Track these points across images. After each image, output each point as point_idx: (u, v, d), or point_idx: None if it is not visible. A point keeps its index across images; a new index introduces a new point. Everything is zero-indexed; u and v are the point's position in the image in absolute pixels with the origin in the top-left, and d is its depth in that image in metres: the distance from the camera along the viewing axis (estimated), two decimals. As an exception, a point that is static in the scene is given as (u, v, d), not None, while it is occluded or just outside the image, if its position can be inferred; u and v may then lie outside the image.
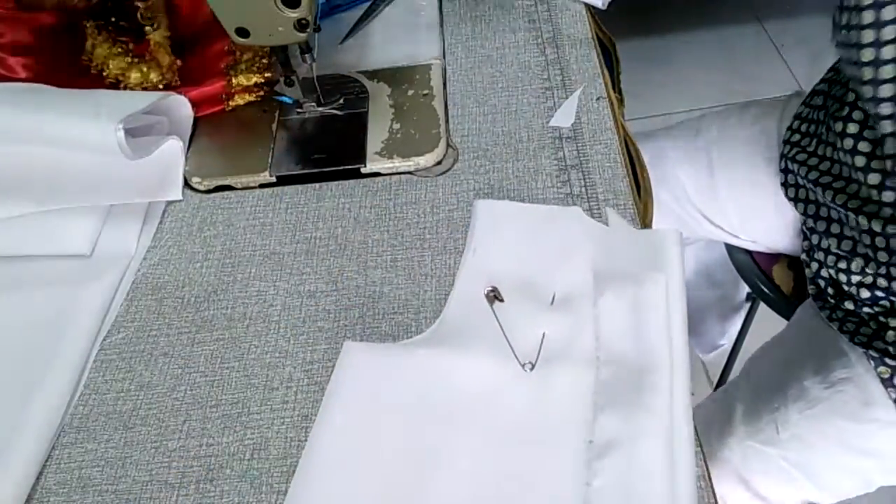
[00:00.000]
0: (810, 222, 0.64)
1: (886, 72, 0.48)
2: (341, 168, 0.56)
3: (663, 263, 0.47)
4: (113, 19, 0.61)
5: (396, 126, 0.58)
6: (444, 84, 0.62)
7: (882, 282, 0.57)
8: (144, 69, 0.62)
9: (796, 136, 0.66)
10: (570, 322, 0.45)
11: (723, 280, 1.00)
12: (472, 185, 0.54)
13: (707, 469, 0.41)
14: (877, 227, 0.55)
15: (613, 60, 0.73)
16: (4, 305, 0.51)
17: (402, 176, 0.56)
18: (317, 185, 0.56)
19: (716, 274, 1.01)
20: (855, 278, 0.59)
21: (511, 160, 0.56)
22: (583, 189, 0.53)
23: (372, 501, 0.40)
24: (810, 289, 0.66)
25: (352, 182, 0.56)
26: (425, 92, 0.60)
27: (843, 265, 0.60)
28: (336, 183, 0.56)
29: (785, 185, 0.67)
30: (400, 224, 0.53)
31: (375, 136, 0.57)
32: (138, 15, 0.60)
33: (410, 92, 0.61)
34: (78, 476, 0.43)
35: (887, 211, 0.54)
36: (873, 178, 0.54)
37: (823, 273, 0.63)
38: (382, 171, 0.56)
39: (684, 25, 1.82)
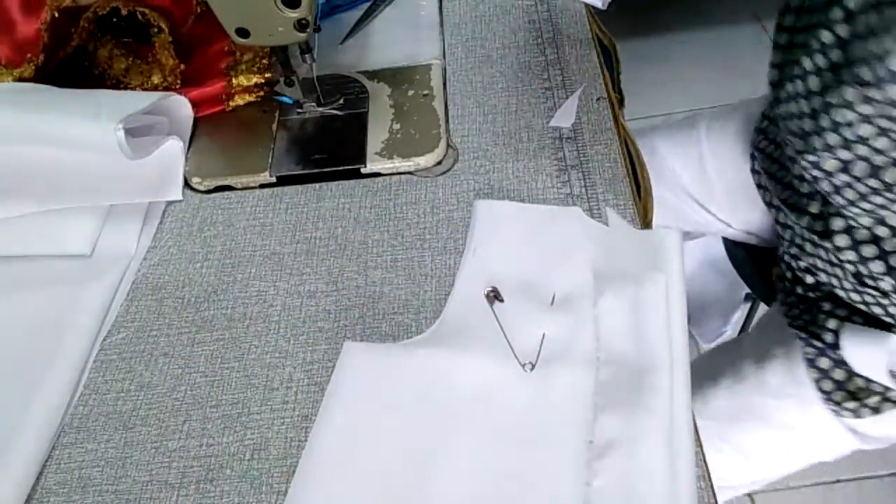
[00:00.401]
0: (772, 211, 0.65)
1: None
2: (341, 168, 0.56)
3: (663, 263, 0.47)
4: (114, 20, 0.61)
5: (396, 126, 0.58)
6: (444, 84, 0.62)
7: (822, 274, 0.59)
8: (146, 71, 0.62)
9: (763, 143, 0.67)
10: (571, 322, 0.45)
11: (728, 270, 1.01)
12: (472, 185, 0.54)
13: (707, 469, 0.41)
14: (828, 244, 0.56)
15: (613, 60, 0.73)
16: (4, 305, 0.51)
17: (402, 176, 0.56)
18: (317, 185, 0.56)
19: (722, 265, 1.02)
20: (802, 264, 0.61)
21: (511, 160, 0.56)
22: (583, 189, 0.53)
23: (372, 501, 0.40)
24: (776, 271, 0.67)
25: (352, 182, 0.56)
26: (425, 92, 0.60)
27: (794, 251, 0.61)
28: (336, 183, 0.56)
29: (753, 171, 0.68)
30: (400, 224, 0.53)
31: (375, 137, 0.57)
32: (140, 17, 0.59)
33: (410, 92, 0.61)
34: (78, 476, 0.43)
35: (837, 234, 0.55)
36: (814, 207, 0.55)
37: (784, 258, 0.65)
38: (382, 172, 0.56)
39: (684, 25, 1.82)
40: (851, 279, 0.54)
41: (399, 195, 0.55)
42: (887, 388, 0.57)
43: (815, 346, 0.60)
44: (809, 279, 0.61)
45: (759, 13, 1.80)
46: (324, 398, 0.44)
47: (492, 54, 0.64)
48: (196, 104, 0.60)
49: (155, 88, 0.61)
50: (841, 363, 0.58)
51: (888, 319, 0.55)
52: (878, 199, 0.48)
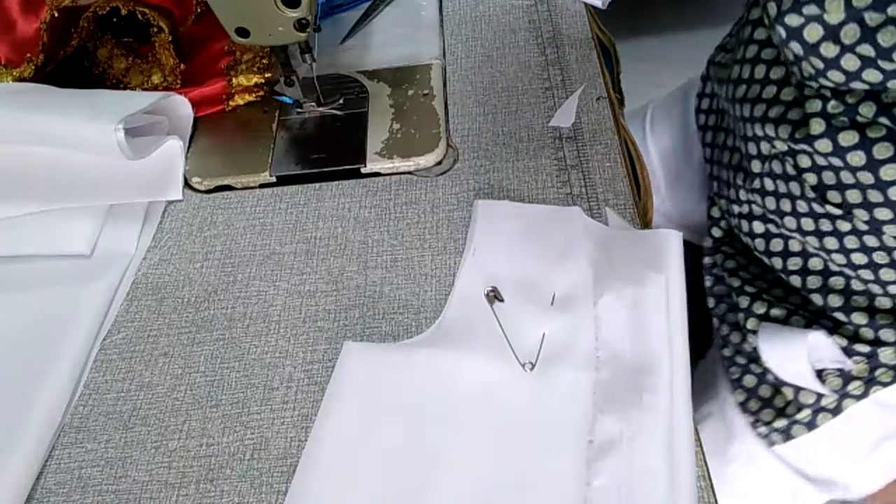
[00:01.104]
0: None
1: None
2: (341, 168, 0.56)
3: (663, 263, 0.47)
4: (114, 20, 0.61)
5: (396, 126, 0.58)
6: (444, 84, 0.62)
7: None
8: (146, 71, 0.62)
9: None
10: (571, 322, 0.45)
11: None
12: (472, 185, 0.54)
13: (707, 469, 0.41)
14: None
15: (613, 60, 0.73)
16: (4, 305, 0.51)
17: (402, 176, 0.56)
18: (317, 185, 0.56)
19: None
20: (742, 208, 0.58)
21: (511, 160, 0.56)
22: (583, 189, 0.53)
23: (372, 501, 0.40)
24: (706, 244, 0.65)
25: (352, 182, 0.56)
26: (425, 92, 0.60)
27: (735, 191, 0.59)
28: (336, 183, 0.56)
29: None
30: (400, 224, 0.53)
31: (375, 136, 0.57)
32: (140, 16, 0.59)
33: (410, 92, 0.61)
34: (78, 476, 0.43)
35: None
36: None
37: (718, 209, 0.62)
38: (382, 171, 0.56)
39: (684, 25, 1.82)
40: (810, 193, 0.50)
41: (399, 195, 0.55)
42: (819, 397, 0.54)
43: (738, 364, 0.58)
44: (745, 226, 0.56)
45: (759, 13, 1.80)
46: (324, 398, 0.44)
47: (492, 54, 0.64)
48: (196, 104, 0.60)
49: (155, 88, 0.61)
50: (764, 377, 0.56)
51: (829, 261, 0.51)
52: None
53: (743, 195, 0.55)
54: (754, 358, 0.56)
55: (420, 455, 0.41)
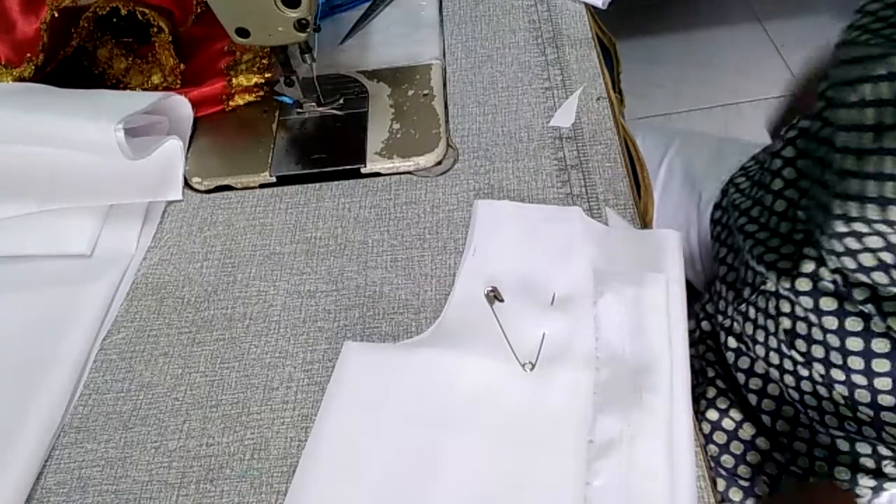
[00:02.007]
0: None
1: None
2: (341, 168, 0.56)
3: (663, 263, 0.47)
4: (114, 20, 0.61)
5: (396, 126, 0.58)
6: (444, 84, 0.62)
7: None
8: (146, 71, 0.62)
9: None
10: (571, 322, 0.45)
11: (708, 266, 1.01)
12: (472, 185, 0.54)
13: (707, 469, 0.41)
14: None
15: (613, 60, 0.73)
16: (4, 305, 0.51)
17: (402, 176, 0.56)
18: (317, 185, 0.56)
19: (700, 261, 1.01)
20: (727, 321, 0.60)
21: (511, 160, 0.56)
22: (583, 189, 0.53)
23: (372, 501, 0.40)
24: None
25: (352, 182, 0.56)
26: (425, 92, 0.60)
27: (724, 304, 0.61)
28: (336, 183, 0.56)
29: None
30: (400, 224, 0.53)
31: (375, 136, 0.57)
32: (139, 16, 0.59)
33: (410, 92, 0.61)
34: (78, 476, 0.43)
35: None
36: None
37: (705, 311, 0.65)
38: (382, 171, 0.56)
39: (684, 25, 1.82)
40: (781, 335, 0.53)
41: (399, 195, 0.55)
42: (744, 498, 0.57)
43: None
44: (723, 336, 0.59)
45: (759, 14, 1.80)
46: (324, 398, 0.44)
47: (492, 54, 0.64)
48: (196, 104, 0.60)
49: (155, 88, 0.61)
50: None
51: (785, 392, 0.54)
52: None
53: (729, 311, 0.58)
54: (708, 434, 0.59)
55: (420, 455, 0.41)
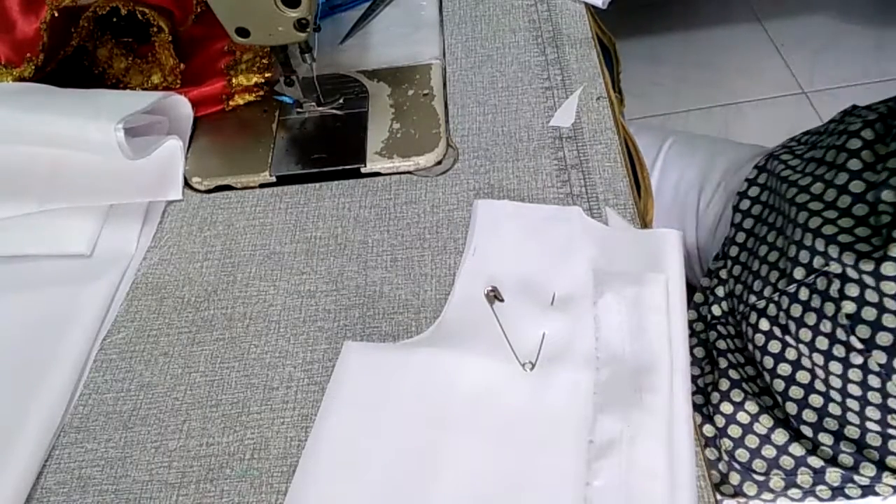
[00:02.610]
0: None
1: None
2: (341, 168, 0.56)
3: (663, 263, 0.47)
4: (114, 20, 0.61)
5: (396, 126, 0.58)
6: (444, 84, 0.62)
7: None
8: (146, 71, 0.62)
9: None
10: (571, 322, 0.45)
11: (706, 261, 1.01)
12: (472, 185, 0.54)
13: (707, 469, 0.41)
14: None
15: (613, 60, 0.73)
16: (4, 305, 0.51)
17: (402, 176, 0.56)
18: (317, 184, 0.56)
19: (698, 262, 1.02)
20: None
21: (511, 160, 0.56)
22: (583, 189, 0.53)
23: (372, 501, 0.40)
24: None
25: (352, 182, 0.56)
26: (425, 92, 0.60)
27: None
28: (336, 183, 0.56)
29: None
30: (400, 224, 0.53)
31: (375, 136, 0.57)
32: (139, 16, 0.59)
33: (410, 92, 0.61)
34: (78, 476, 0.43)
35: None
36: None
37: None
38: (382, 171, 0.56)
39: (684, 25, 1.82)
40: (843, 320, 0.52)
41: (399, 195, 0.55)
42: (759, 491, 0.57)
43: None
44: (754, 317, 0.59)
45: (759, 14, 1.80)
46: (324, 398, 0.44)
47: (492, 54, 0.64)
48: (196, 104, 0.60)
49: (155, 88, 0.61)
50: (719, 460, 0.58)
51: (820, 379, 0.54)
52: None
53: (768, 292, 0.57)
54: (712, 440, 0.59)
55: (420, 455, 0.41)
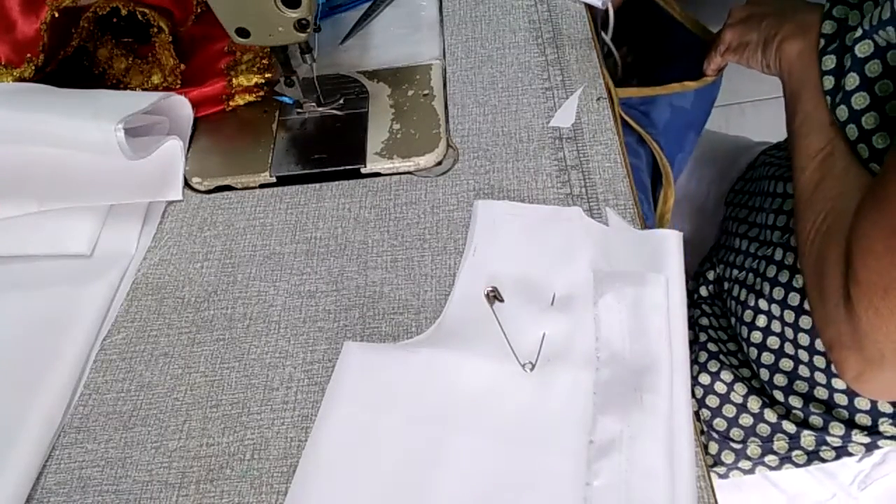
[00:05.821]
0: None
1: None
2: (341, 168, 0.56)
3: (663, 264, 0.47)
4: (114, 20, 0.61)
5: (396, 126, 0.58)
6: (444, 84, 0.62)
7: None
8: (146, 71, 0.62)
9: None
10: (571, 322, 0.45)
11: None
12: (472, 185, 0.54)
13: (707, 469, 0.41)
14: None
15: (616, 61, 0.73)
16: (4, 305, 0.51)
17: (402, 176, 0.56)
18: (317, 185, 0.56)
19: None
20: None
21: (511, 160, 0.56)
22: (583, 189, 0.53)
23: (372, 501, 0.40)
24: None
25: (352, 182, 0.56)
26: (425, 92, 0.60)
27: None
28: (336, 183, 0.56)
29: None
30: (400, 224, 0.53)
31: (375, 136, 0.57)
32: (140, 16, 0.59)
33: (410, 92, 0.61)
34: (78, 476, 0.43)
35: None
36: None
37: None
38: (382, 171, 0.56)
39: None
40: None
41: (399, 195, 0.55)
42: (737, 459, 0.59)
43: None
44: (736, 290, 0.61)
45: (759, 13, 1.80)
46: (324, 398, 0.44)
47: (492, 54, 0.64)
48: (196, 104, 0.60)
49: (155, 88, 0.61)
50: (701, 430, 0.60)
51: (789, 341, 0.55)
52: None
53: (748, 263, 0.60)
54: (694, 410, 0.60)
55: (420, 455, 0.41)
